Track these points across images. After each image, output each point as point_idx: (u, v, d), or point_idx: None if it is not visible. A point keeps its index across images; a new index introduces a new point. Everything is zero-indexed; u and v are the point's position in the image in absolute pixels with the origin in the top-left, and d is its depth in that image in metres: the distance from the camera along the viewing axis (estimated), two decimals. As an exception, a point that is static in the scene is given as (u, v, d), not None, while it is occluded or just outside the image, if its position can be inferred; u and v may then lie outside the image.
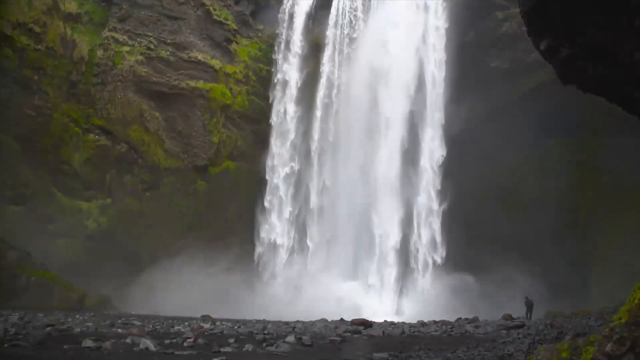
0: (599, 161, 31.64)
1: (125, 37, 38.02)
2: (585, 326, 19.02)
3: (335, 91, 37.66)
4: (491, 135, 31.63)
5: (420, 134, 34.99)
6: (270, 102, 39.44)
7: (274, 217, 37.48)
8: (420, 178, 34.66)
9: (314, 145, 37.57)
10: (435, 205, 34.34)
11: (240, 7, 41.64)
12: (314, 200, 36.79)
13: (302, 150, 38.15)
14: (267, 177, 38.11)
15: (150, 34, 38.51)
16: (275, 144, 38.43)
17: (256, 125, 39.73)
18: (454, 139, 33.75)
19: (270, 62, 40.39)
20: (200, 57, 38.85)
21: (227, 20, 40.27)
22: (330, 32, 38.59)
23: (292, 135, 38.36)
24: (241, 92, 39.90)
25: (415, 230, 34.33)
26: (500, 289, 29.40)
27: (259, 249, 37.27)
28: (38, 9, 34.69)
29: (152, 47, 38.25)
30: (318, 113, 37.77)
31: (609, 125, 28.60)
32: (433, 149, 34.89)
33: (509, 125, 31.02)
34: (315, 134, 37.61)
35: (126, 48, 37.77)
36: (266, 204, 37.72)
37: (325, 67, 38.27)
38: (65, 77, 35.93)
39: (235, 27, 40.70)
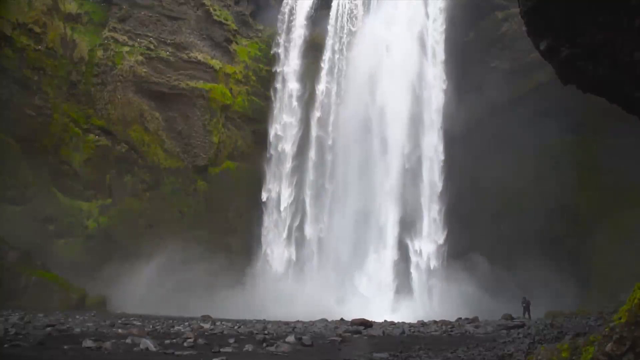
0: (599, 161, 31.56)
1: (125, 37, 38.05)
2: (585, 326, 19.01)
3: (329, 158, 36.27)
4: (491, 135, 31.63)
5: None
6: (267, 155, 38.25)
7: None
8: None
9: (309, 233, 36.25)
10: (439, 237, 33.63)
11: (240, 7, 41.67)
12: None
13: (299, 240, 36.60)
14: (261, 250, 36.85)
15: (150, 34, 38.53)
16: (269, 224, 37.32)
17: (256, 125, 39.73)
18: (453, 139, 33.74)
19: (269, 62, 40.35)
20: (200, 57, 38.86)
21: (227, 20, 40.27)
22: (320, 88, 37.50)
23: (286, 228, 36.96)
24: (241, 92, 39.91)
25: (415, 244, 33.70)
26: (500, 289, 29.43)
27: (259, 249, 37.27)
28: (38, 9, 34.71)
29: (152, 47, 38.27)
30: (308, 200, 36.52)
31: (609, 125, 28.49)
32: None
33: (508, 125, 31.03)
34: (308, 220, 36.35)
35: (126, 48, 37.80)
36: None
37: (314, 131, 37.11)
38: (65, 77, 35.95)
39: (235, 27, 40.71)
